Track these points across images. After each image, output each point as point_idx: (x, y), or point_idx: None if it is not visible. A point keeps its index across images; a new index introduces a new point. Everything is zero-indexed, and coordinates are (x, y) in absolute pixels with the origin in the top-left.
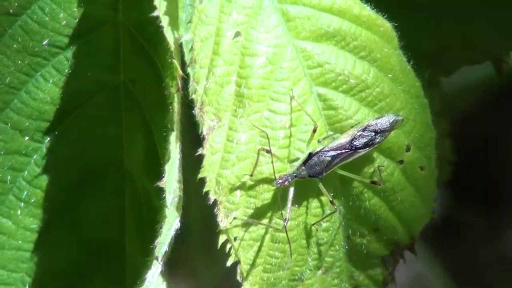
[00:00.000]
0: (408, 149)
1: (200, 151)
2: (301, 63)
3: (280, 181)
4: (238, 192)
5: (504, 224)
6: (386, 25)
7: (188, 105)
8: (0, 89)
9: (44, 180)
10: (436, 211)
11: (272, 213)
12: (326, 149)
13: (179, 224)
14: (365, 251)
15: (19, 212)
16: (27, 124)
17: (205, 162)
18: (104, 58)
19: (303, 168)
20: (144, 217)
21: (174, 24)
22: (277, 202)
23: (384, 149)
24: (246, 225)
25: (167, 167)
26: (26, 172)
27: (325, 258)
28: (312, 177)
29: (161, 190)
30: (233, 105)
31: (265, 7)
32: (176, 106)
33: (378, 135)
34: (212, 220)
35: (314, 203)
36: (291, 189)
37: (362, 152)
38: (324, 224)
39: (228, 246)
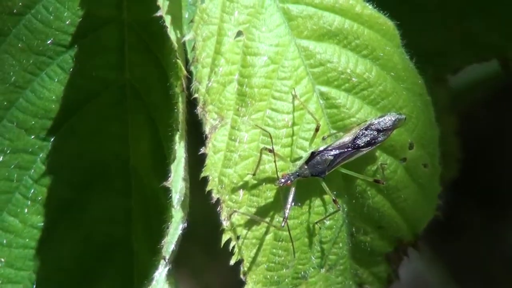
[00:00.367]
0: (411, 147)
1: (202, 150)
2: (303, 62)
3: (283, 180)
4: (240, 191)
5: (505, 223)
6: (388, 24)
7: (192, 103)
8: (6, 88)
9: (50, 178)
10: (438, 209)
11: (275, 212)
12: (329, 148)
13: (186, 224)
14: (368, 249)
15: (26, 210)
16: (33, 122)
17: (207, 161)
18: (109, 56)
19: (306, 167)
20: (151, 216)
21: (177, 23)
22: (280, 201)
23: (387, 147)
24: (249, 223)
25: (173, 167)
26: (33, 171)
27: (328, 256)
28: (314, 176)
29: (167, 189)
30: (236, 104)
31: (267, 6)
32: (181, 106)
33: (381, 133)
34: (215, 219)
35: (317, 201)
36: (293, 189)
37: (365, 151)
38: (328, 222)
39: (231, 244)
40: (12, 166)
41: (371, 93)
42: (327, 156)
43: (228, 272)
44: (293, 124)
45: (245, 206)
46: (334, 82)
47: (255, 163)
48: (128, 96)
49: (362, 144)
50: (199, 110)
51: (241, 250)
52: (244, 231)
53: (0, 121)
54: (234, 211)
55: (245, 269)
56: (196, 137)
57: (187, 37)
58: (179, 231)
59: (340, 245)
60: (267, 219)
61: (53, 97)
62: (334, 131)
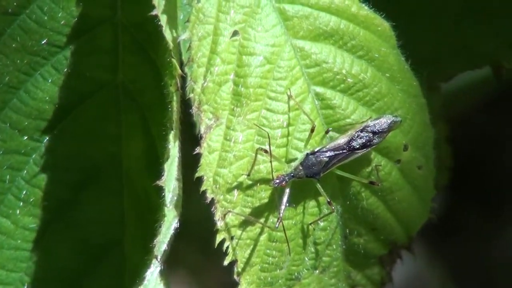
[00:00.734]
0: (405, 149)
1: (197, 150)
2: (298, 62)
3: (278, 181)
4: (235, 191)
5: (503, 223)
6: (384, 25)
7: (186, 103)
8: None
9: (43, 179)
10: (434, 211)
11: (269, 213)
12: (324, 149)
13: (178, 223)
14: (362, 251)
15: (18, 211)
16: (26, 123)
17: (202, 161)
18: (102, 57)
19: (301, 168)
20: (143, 216)
21: (173, 23)
22: (275, 202)
23: (381, 148)
24: (243, 224)
25: (166, 166)
26: (25, 172)
27: (322, 257)
28: (309, 177)
29: (160, 189)
30: (231, 104)
31: (263, 6)
32: (175, 105)
33: (376, 136)
34: (211, 219)
35: (312, 202)
36: (287, 189)
37: (360, 153)
38: (322, 224)
39: (225, 245)
40: (5, 167)
41: (367, 94)
42: (322, 157)
43: (224, 272)
44: (288, 124)
45: (239, 206)
46: (329, 82)
47: (250, 163)
48: (121, 97)
49: (357, 146)
50: (194, 110)
51: (235, 250)
52: (238, 232)
53: None
54: (228, 211)
55: (239, 269)
56: (191, 137)
57: (183, 37)
58: (172, 231)
59: (334, 247)
60: (262, 220)
61: (47, 98)
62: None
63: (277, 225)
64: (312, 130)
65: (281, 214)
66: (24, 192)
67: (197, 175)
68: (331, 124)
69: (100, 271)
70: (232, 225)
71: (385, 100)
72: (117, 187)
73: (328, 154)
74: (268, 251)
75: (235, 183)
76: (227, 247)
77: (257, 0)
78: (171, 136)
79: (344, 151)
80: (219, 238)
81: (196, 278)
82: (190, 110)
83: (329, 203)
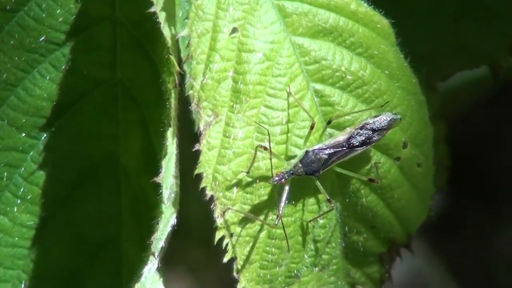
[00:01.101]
0: (405, 146)
1: (197, 146)
2: (298, 59)
3: (277, 178)
4: (234, 188)
5: (503, 220)
6: (383, 22)
7: (185, 101)
8: None
9: (40, 176)
10: (434, 208)
11: (268, 210)
12: (323, 146)
13: (175, 220)
14: (361, 249)
15: (15, 209)
16: (24, 120)
17: (201, 158)
18: (101, 54)
19: (300, 165)
20: (140, 213)
21: (171, 20)
22: (274, 199)
23: (381, 145)
24: (242, 221)
25: (164, 163)
26: (23, 169)
27: (321, 255)
28: (309, 174)
29: (158, 186)
30: (230, 101)
31: (262, 3)
32: (173, 102)
33: (376, 133)
34: (210, 216)
35: (311, 199)
36: (286, 187)
37: (359, 150)
38: (321, 221)
39: (225, 242)
40: (2, 164)
41: (366, 91)
42: (322, 155)
43: (224, 269)
44: (288, 121)
45: (238, 203)
46: (328, 79)
47: (249, 161)
48: (119, 95)
49: (357, 144)
50: (193, 106)
51: (234, 247)
52: (238, 229)
53: None
54: (227, 208)
55: (238, 266)
56: (190, 135)
57: (181, 34)
58: (169, 228)
59: (333, 244)
60: (261, 217)
61: (45, 95)
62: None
63: (276, 222)
64: (311, 127)
65: (280, 212)
66: (21, 190)
67: (196, 172)
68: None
69: (97, 268)
70: (231, 222)
71: (384, 97)
72: (114, 185)
73: (328, 151)
74: (267, 248)
75: (234, 180)
76: (227, 244)
77: None
78: (169, 133)
79: (344, 148)
80: (218, 235)
81: (195, 276)
82: (189, 107)
83: (328, 200)
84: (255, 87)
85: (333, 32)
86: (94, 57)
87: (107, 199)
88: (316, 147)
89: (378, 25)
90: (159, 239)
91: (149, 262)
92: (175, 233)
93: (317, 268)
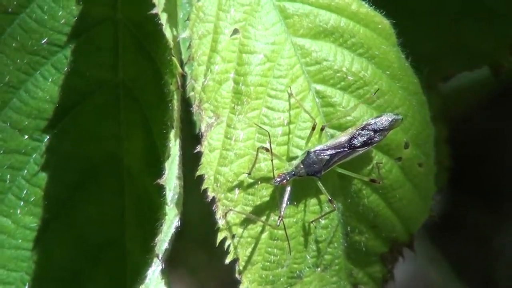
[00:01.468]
0: (406, 146)
1: (198, 148)
2: (299, 60)
3: (279, 179)
4: (236, 189)
5: (505, 220)
6: (384, 22)
7: (187, 102)
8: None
9: (43, 178)
10: (436, 208)
11: (270, 211)
12: (325, 147)
13: (179, 222)
14: (364, 249)
15: (18, 211)
16: (27, 123)
17: (203, 160)
18: (103, 56)
19: (302, 166)
20: (144, 215)
21: (173, 21)
22: (276, 200)
23: (382, 146)
24: (244, 222)
25: (167, 164)
26: (26, 171)
27: (323, 255)
28: (310, 175)
29: (161, 188)
30: (231, 102)
31: (263, 4)
32: (175, 103)
33: (377, 134)
34: (211, 218)
35: (313, 200)
36: (288, 188)
37: (361, 151)
38: (323, 222)
39: (227, 243)
40: (5, 167)
41: (367, 91)
42: (323, 155)
43: (225, 271)
44: (289, 122)
45: (240, 204)
46: (329, 80)
47: (250, 162)
48: (121, 96)
49: (358, 144)
50: (194, 108)
51: (236, 249)
52: (240, 230)
53: None
54: (229, 210)
55: (241, 268)
56: (192, 136)
57: (183, 35)
58: (173, 229)
59: (335, 245)
60: (263, 218)
61: (47, 97)
62: (328, 131)
63: (278, 223)
64: (313, 128)
65: (282, 213)
66: (24, 192)
67: (198, 173)
68: (331, 122)
69: (100, 269)
70: (233, 224)
71: (386, 97)
72: (117, 186)
73: (329, 152)
74: (269, 249)
75: (236, 182)
76: (229, 246)
77: None
78: (171, 135)
79: (345, 149)
80: (220, 236)
81: (196, 277)
82: (191, 109)
83: (330, 201)
84: (256, 89)
85: (334, 33)
86: (96, 58)
87: (110, 200)
88: (317, 148)
89: (379, 26)
90: (163, 240)
91: (153, 264)
92: (176, 234)
93: (319, 269)
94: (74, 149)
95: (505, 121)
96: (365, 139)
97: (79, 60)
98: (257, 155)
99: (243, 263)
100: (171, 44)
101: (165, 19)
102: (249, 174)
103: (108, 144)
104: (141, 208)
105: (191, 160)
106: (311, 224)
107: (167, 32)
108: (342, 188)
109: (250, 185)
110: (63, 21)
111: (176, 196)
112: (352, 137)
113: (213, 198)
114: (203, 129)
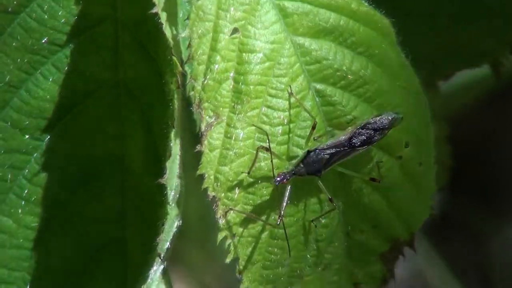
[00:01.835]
0: (406, 145)
1: (198, 147)
2: (299, 59)
3: (279, 179)
4: (236, 188)
5: (504, 220)
6: (384, 21)
7: (187, 101)
8: (0, 87)
9: (44, 178)
10: (436, 208)
11: (270, 210)
12: (325, 147)
13: (181, 221)
14: (364, 248)
15: (19, 210)
16: (27, 122)
17: (203, 159)
18: (103, 55)
19: (302, 165)
20: (145, 215)
21: (173, 20)
22: (276, 199)
23: (382, 145)
24: (245, 221)
25: (168, 164)
26: (27, 171)
27: (324, 254)
28: (310, 174)
29: (162, 187)
30: (231, 101)
31: (263, 3)
32: (176, 102)
33: (377, 133)
34: (210, 217)
35: (313, 199)
36: (288, 187)
37: (361, 150)
38: (323, 221)
39: (227, 242)
40: (6, 166)
41: (367, 90)
42: (323, 155)
43: (224, 270)
44: (289, 121)
45: (240, 204)
46: (330, 79)
47: (251, 161)
48: (122, 95)
49: (358, 143)
50: (194, 107)
51: (236, 248)
52: (240, 229)
53: None
54: (229, 209)
55: (241, 267)
56: (191, 135)
57: (183, 34)
58: (174, 229)
59: (336, 244)
60: (263, 217)
61: (48, 97)
62: (330, 129)
63: (278, 223)
64: (313, 127)
65: (282, 212)
66: (25, 191)
67: (198, 172)
68: (331, 121)
69: (102, 269)
70: (233, 223)
71: (386, 96)
72: (118, 186)
73: (329, 151)
74: (270, 248)
75: (236, 181)
76: (229, 245)
77: None
78: (172, 134)
79: (345, 148)
80: (220, 236)
81: (195, 276)
82: (191, 108)
83: (330, 200)
84: (256, 88)
85: (334, 32)
86: (96, 57)
87: (110, 199)
88: (317, 147)
89: (379, 25)
90: (165, 240)
91: (155, 263)
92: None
93: (320, 268)
94: (74, 148)
95: (505, 121)
96: (365, 138)
97: (79, 59)
98: (257, 154)
99: (243, 262)
100: (171, 43)
101: (165, 18)
102: (249, 173)
103: (108, 144)
104: (142, 208)
105: (190, 159)
106: (312, 223)
107: (167, 31)
108: (343, 187)
109: (250, 184)
110: (63, 20)
111: (177, 196)
112: (352, 136)
113: (213, 197)
114: (203, 129)
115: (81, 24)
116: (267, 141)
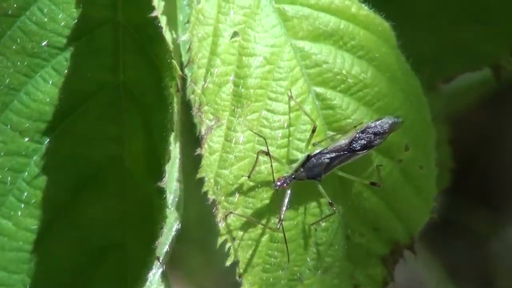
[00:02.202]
0: (406, 148)
1: (198, 151)
2: (299, 62)
3: (279, 183)
4: (236, 192)
5: (502, 223)
6: (384, 25)
7: (187, 104)
8: (0, 90)
9: (44, 181)
10: (435, 210)
11: (270, 213)
12: (325, 151)
13: (180, 225)
14: (364, 251)
15: (19, 213)
16: (27, 125)
17: (203, 162)
18: (103, 58)
19: (302, 170)
20: (145, 217)
21: (173, 24)
22: (276, 202)
23: (382, 148)
24: (245, 225)
25: (167, 167)
26: (26, 173)
27: (324, 258)
28: (310, 178)
29: (161, 190)
30: (231, 105)
31: (263, 7)
32: (175, 106)
33: (377, 137)
34: (209, 220)
35: (313, 203)
36: (288, 191)
37: (361, 154)
38: (323, 224)
39: (227, 246)
40: (6, 169)
41: (367, 94)
42: (323, 159)
43: (223, 273)
44: (289, 125)
45: (240, 207)
46: (329, 83)
47: (251, 164)
48: (122, 98)
49: (358, 148)
50: (194, 111)
51: (236, 251)
52: (240, 233)
53: None
54: (230, 212)
55: (241, 270)
56: (190, 138)
57: (183, 38)
58: (173, 232)
59: (336, 247)
60: (263, 221)
61: (48, 100)
62: (330, 133)
63: (278, 226)
64: (313, 131)
65: (282, 215)
66: (25, 194)
67: (198, 176)
68: (331, 125)
69: (102, 272)
70: (233, 226)
71: (386, 100)
72: (118, 188)
73: (329, 155)
74: (270, 252)
75: (236, 184)
76: (229, 248)
77: (256, 1)
78: (172, 138)
79: (345, 152)
80: (220, 239)
81: (194, 279)
82: (191, 111)
83: (330, 204)
84: (256, 91)
85: (333, 35)
86: (96, 60)
87: (111, 202)
88: (317, 151)
89: (379, 28)
90: (164, 243)
91: (154, 266)
92: (176, 237)
93: (320, 271)
94: (74, 151)
95: (505, 122)
96: (365, 142)
97: (79, 62)
98: (257, 158)
99: (243, 266)
100: (171, 46)
101: (165, 22)
102: (249, 177)
103: (109, 146)
104: (142, 211)
105: (189, 162)
106: (312, 227)
107: (167, 35)
108: (343, 191)
109: (251, 188)
110: (63, 23)
111: (177, 199)
112: (352, 141)
113: (213, 200)
114: (203, 132)
115: (81, 27)
116: (267, 147)
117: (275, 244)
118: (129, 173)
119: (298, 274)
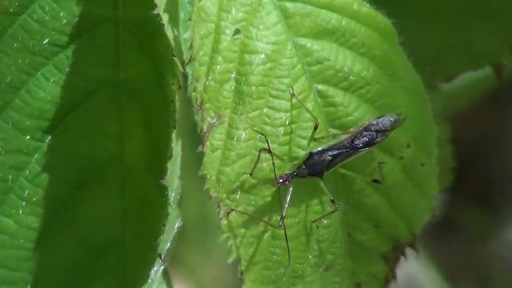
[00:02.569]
0: (408, 146)
1: (200, 148)
2: (300, 60)
3: (281, 180)
4: (238, 189)
5: (501, 223)
6: (385, 22)
7: (188, 101)
8: (1, 88)
9: (45, 178)
10: (436, 208)
11: (272, 211)
12: (327, 148)
13: (181, 222)
14: (366, 248)
15: (20, 211)
16: (28, 123)
17: (205, 160)
18: (104, 55)
19: (304, 167)
20: (145, 215)
21: (174, 21)
22: (278, 200)
23: (384, 145)
24: (246, 222)
25: (169, 165)
26: (27, 171)
27: (326, 255)
28: (312, 176)
29: (163, 188)
30: (233, 102)
31: (264, 4)
32: (177, 103)
33: (379, 134)
34: (209, 218)
35: (315, 200)
36: (290, 188)
37: (363, 151)
38: (325, 221)
39: (229, 243)
40: (7, 167)
41: (368, 91)
42: (325, 156)
43: (223, 270)
44: (291, 122)
45: (242, 204)
46: (331, 80)
47: (253, 162)
48: (123, 95)
49: (361, 145)
50: (196, 108)
51: (238, 248)
52: (242, 230)
53: None
54: (231, 210)
55: (243, 267)
56: (191, 136)
57: (184, 35)
58: (175, 229)
59: (338, 244)
60: (265, 218)
61: (49, 97)
62: (331, 130)
63: (280, 224)
64: (315, 128)
65: (284, 213)
66: (26, 192)
67: (200, 173)
68: (333, 122)
69: (102, 269)
70: (235, 224)
71: (387, 97)
72: (119, 186)
73: (331, 153)
74: (271, 249)
75: (238, 182)
76: (231, 246)
77: None
78: (173, 135)
79: (347, 149)
80: (222, 236)
81: (194, 277)
82: (192, 109)
83: (332, 201)
84: (258, 88)
85: (335, 33)
86: (97, 58)
87: (111, 200)
88: (319, 148)
89: (381, 25)
90: (166, 240)
91: (155, 264)
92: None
93: (321, 268)
94: (75, 149)
95: (505, 121)
96: (367, 140)
97: (80, 60)
98: (259, 155)
99: (245, 263)
100: (173, 44)
101: (166, 20)
102: (251, 174)
103: (109, 144)
104: (143, 208)
105: (189, 160)
106: (313, 224)
107: (169, 32)
108: (344, 188)
109: (252, 185)
110: (64, 21)
111: (178, 196)
112: (354, 138)
113: (215, 198)
114: (205, 129)
115: (82, 25)
116: (269, 142)
117: (277, 241)
118: (129, 171)
119: (299, 271)
